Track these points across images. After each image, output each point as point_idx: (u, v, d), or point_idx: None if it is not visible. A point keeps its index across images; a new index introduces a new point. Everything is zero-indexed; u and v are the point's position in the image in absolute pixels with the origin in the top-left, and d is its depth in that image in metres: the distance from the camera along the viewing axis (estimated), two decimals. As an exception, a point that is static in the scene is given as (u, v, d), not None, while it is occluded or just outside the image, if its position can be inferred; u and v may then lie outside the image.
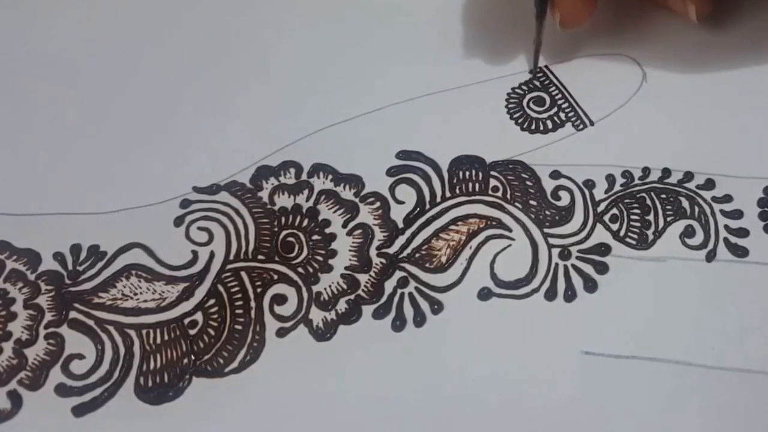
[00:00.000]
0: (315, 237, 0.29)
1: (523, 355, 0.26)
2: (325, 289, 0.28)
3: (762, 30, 0.34)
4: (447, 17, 0.35)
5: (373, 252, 0.28)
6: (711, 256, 0.28)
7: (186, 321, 0.27)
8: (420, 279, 0.28)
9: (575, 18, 0.31)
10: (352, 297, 0.28)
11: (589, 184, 0.30)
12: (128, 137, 0.31)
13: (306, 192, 0.30)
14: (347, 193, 0.30)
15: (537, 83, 0.33)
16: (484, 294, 0.27)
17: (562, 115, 0.32)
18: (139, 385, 0.26)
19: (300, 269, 0.28)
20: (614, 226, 0.29)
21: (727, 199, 0.29)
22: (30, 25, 0.35)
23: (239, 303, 0.27)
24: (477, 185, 0.30)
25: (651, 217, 0.29)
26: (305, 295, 0.28)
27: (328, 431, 0.25)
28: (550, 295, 0.27)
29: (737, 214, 0.29)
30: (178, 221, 0.29)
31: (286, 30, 0.35)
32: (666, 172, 0.30)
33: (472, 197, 0.30)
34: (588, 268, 0.28)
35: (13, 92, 0.33)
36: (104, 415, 0.25)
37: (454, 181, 0.30)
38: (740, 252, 0.28)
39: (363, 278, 0.28)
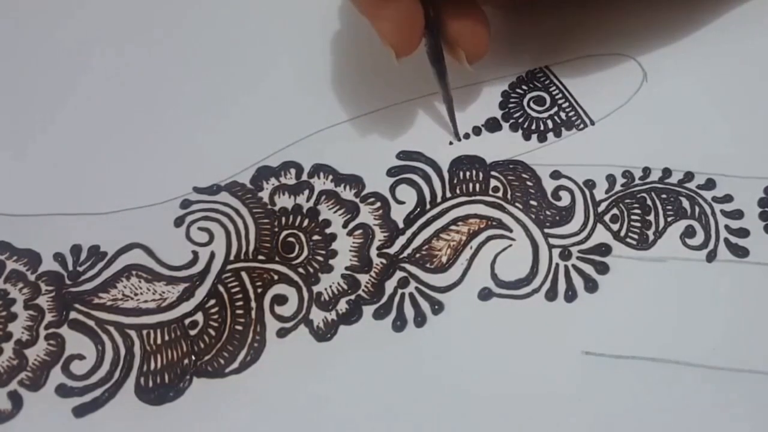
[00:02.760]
0: (315, 237, 0.29)
1: (523, 355, 0.26)
2: (326, 289, 0.28)
3: (762, 30, 0.34)
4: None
5: (373, 252, 0.28)
6: (711, 257, 0.28)
7: (186, 321, 0.27)
8: (420, 279, 0.28)
9: (480, 50, 0.29)
10: (352, 297, 0.28)
11: (590, 184, 0.30)
12: (128, 138, 0.31)
13: (306, 192, 0.30)
14: (348, 194, 0.30)
15: (537, 83, 0.33)
16: (485, 294, 0.27)
17: (563, 115, 0.32)
18: (139, 386, 0.26)
19: (300, 269, 0.28)
20: (615, 227, 0.29)
21: (728, 199, 0.29)
22: (31, 27, 0.35)
23: (240, 303, 0.27)
24: (477, 185, 0.30)
25: (651, 218, 0.29)
26: (306, 295, 0.28)
27: (328, 431, 0.25)
28: (551, 295, 0.27)
29: (738, 215, 0.29)
30: (179, 221, 0.29)
31: (287, 31, 0.35)
32: (666, 172, 0.30)
33: (473, 197, 0.30)
34: (588, 269, 0.28)
35: (13, 93, 0.33)
36: (105, 415, 0.25)
37: (455, 181, 0.30)
38: (741, 252, 0.28)
39: (363, 278, 0.28)
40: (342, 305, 0.27)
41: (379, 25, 0.28)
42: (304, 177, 0.30)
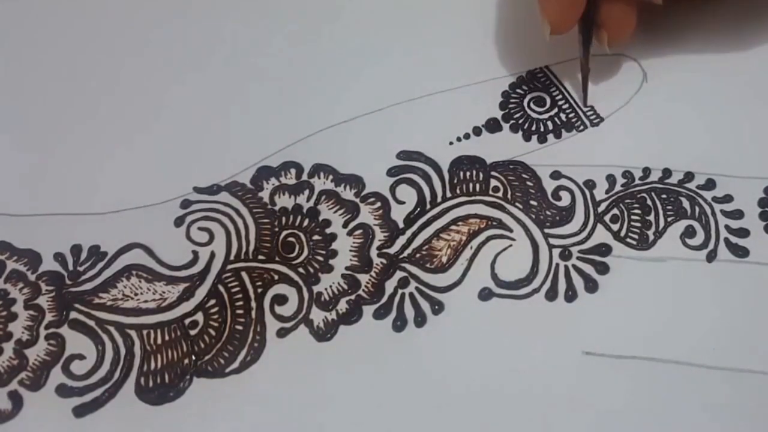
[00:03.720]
0: (315, 237, 0.29)
1: (523, 355, 0.26)
2: (326, 289, 0.28)
3: (762, 30, 0.34)
4: (448, 17, 0.35)
5: (373, 252, 0.28)
6: (712, 257, 0.28)
7: (187, 321, 0.27)
8: (421, 279, 0.28)
9: (621, 34, 0.31)
10: (352, 297, 0.28)
11: (590, 185, 0.30)
12: (129, 137, 0.31)
13: (306, 192, 0.30)
14: (348, 194, 0.30)
15: (537, 83, 0.33)
16: (485, 294, 0.27)
17: (563, 116, 0.32)
18: (139, 386, 0.26)
19: (300, 269, 0.28)
20: (615, 227, 0.29)
21: (728, 199, 0.29)
22: (31, 26, 0.35)
23: (240, 303, 0.27)
24: (477, 185, 0.30)
25: (651, 218, 0.29)
26: (306, 295, 0.28)
27: (328, 431, 0.25)
28: (551, 295, 0.27)
29: (738, 215, 0.29)
30: (179, 221, 0.29)
31: (287, 30, 0.35)
32: (666, 173, 0.30)
33: (473, 197, 0.30)
34: (589, 269, 0.28)
35: (13, 93, 0.33)
36: (105, 415, 0.25)
37: (455, 181, 0.30)
38: (741, 252, 0.28)
39: (364, 278, 0.28)
40: (342, 305, 0.27)
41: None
42: (304, 177, 0.30)
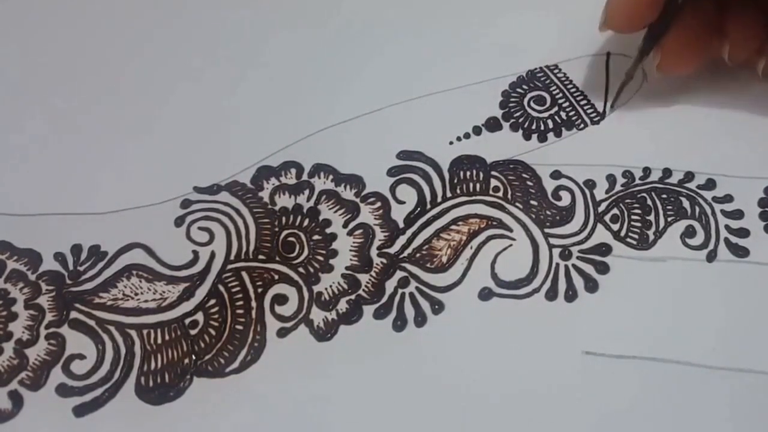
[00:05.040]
0: (316, 237, 0.29)
1: (523, 355, 0.26)
2: (326, 289, 0.28)
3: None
4: (447, 16, 0.35)
5: (373, 252, 0.28)
6: (712, 257, 0.28)
7: (187, 321, 0.27)
8: (421, 279, 0.28)
9: (675, 66, 0.30)
10: (352, 297, 0.28)
11: (590, 184, 0.30)
12: (129, 137, 0.31)
13: (307, 192, 0.30)
14: (348, 193, 0.30)
15: (538, 83, 0.33)
16: (485, 294, 0.27)
17: (563, 114, 0.32)
18: (140, 385, 0.26)
19: (301, 269, 0.28)
20: (615, 226, 0.29)
21: (728, 199, 0.29)
22: (31, 26, 0.35)
23: (240, 303, 0.27)
24: (478, 185, 0.30)
25: (652, 217, 0.29)
26: (306, 295, 0.28)
27: (328, 431, 0.25)
28: (551, 295, 0.27)
29: (738, 214, 0.29)
30: (179, 221, 0.29)
31: (287, 29, 0.35)
32: (667, 172, 0.30)
33: (473, 197, 0.30)
34: (589, 268, 0.28)
35: (12, 92, 0.33)
36: (105, 415, 0.25)
37: (455, 181, 0.30)
38: (741, 252, 0.28)
39: (364, 278, 0.28)
40: (342, 305, 0.27)
41: None
42: (305, 177, 0.30)
